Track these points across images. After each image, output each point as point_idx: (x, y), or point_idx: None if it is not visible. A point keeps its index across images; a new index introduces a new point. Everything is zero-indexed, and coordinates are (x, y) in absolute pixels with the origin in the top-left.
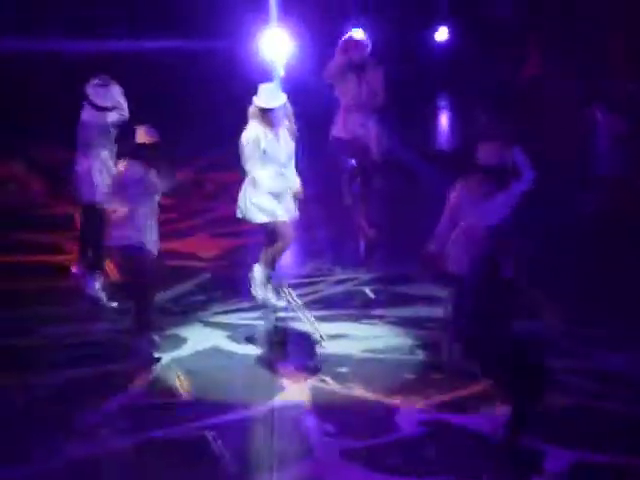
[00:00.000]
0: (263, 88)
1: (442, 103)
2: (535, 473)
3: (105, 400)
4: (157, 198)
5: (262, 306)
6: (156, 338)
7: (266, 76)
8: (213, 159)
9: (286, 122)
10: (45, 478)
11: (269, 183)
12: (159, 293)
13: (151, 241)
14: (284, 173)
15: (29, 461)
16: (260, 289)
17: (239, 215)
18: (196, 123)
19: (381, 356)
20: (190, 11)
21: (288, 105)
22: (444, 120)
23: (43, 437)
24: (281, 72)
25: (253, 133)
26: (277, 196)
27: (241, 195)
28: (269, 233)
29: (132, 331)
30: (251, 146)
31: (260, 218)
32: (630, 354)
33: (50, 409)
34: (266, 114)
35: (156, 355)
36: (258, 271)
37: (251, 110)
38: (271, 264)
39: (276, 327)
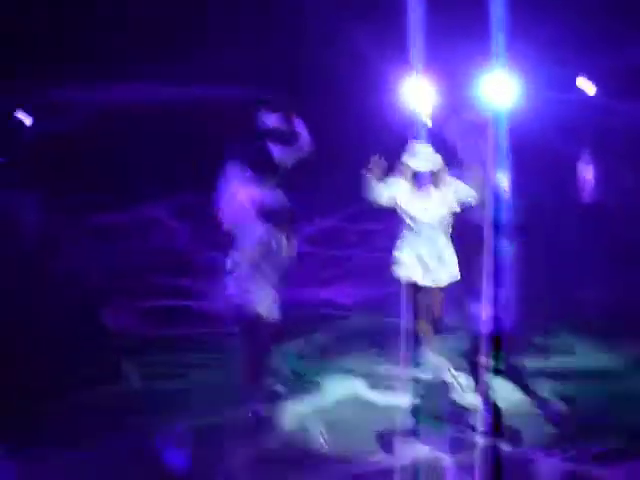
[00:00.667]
0: (418, 147)
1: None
2: None
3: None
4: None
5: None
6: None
7: (411, 128)
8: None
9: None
10: None
11: (409, 244)
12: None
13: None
14: (432, 237)
15: None
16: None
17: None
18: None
19: (525, 410)
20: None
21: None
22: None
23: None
24: (428, 123)
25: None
26: (419, 259)
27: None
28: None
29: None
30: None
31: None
32: None
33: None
34: (415, 176)
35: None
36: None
37: (402, 167)
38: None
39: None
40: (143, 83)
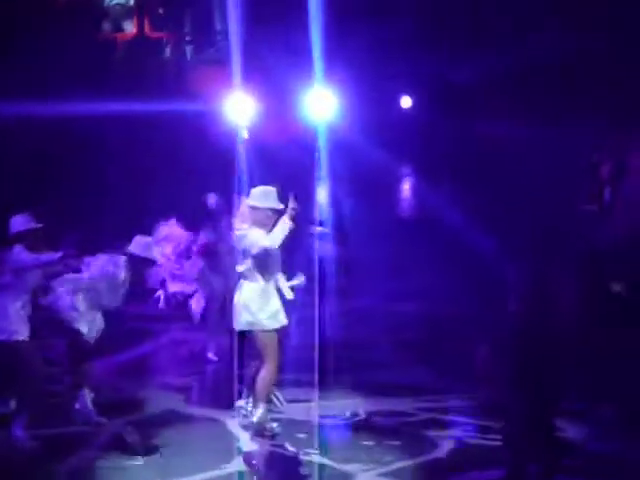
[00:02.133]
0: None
1: (406, 171)
2: None
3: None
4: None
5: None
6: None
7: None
8: None
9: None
10: None
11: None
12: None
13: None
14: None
15: None
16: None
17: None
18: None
19: (339, 422)
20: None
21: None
22: (407, 188)
23: None
24: (244, 135)
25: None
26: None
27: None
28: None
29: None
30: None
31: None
32: None
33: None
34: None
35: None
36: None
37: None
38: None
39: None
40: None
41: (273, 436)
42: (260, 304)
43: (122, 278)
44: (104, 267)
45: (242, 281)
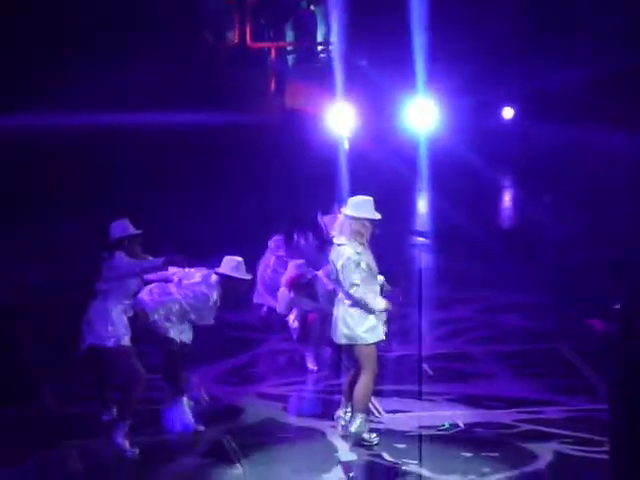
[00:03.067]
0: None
1: (507, 182)
2: None
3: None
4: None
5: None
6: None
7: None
8: None
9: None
10: None
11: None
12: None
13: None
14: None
15: None
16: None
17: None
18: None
19: (438, 433)
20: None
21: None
22: (508, 199)
23: None
24: (345, 146)
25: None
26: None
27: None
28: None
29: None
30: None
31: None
32: None
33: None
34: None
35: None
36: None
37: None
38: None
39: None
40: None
41: (372, 446)
42: (359, 318)
43: (213, 299)
44: (196, 287)
45: (341, 295)
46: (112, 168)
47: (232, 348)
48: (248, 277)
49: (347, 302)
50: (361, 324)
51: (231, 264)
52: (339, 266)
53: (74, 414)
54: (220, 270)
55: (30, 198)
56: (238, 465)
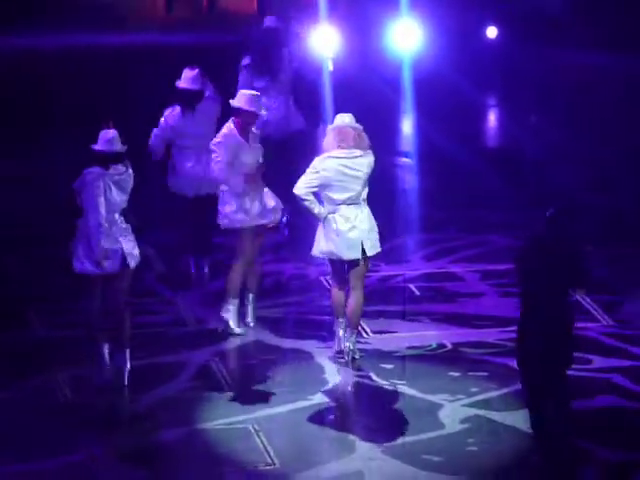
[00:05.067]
0: (340, 116)
1: (492, 102)
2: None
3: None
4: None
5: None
6: None
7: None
8: None
9: None
10: (85, 468)
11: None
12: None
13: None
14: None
15: (71, 452)
16: None
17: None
18: None
19: (425, 353)
20: None
21: None
22: (493, 118)
23: (87, 427)
24: (330, 67)
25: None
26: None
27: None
28: None
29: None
30: None
31: None
32: None
33: (97, 400)
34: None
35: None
36: None
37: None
38: None
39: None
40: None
41: (357, 365)
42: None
43: None
44: None
45: (355, 206)
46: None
47: (220, 270)
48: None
49: (366, 211)
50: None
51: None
52: (364, 175)
53: (62, 339)
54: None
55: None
56: (225, 388)
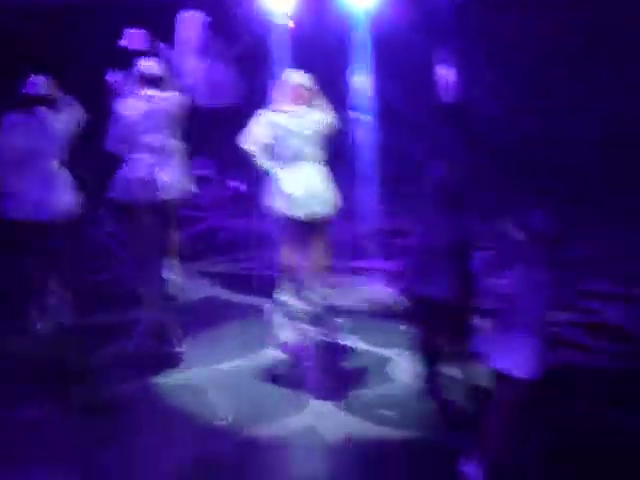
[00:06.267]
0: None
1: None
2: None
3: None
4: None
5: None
6: None
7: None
8: None
9: None
10: (42, 423)
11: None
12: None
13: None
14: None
15: (26, 405)
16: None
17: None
18: None
19: (378, 308)
20: None
21: None
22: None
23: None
24: (290, 24)
25: None
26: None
27: None
28: None
29: None
30: None
31: None
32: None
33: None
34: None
35: None
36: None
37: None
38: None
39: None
40: None
41: (309, 321)
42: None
43: None
44: None
45: (305, 164)
46: None
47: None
48: None
49: (317, 169)
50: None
51: None
52: (314, 133)
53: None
54: None
55: None
56: (180, 344)
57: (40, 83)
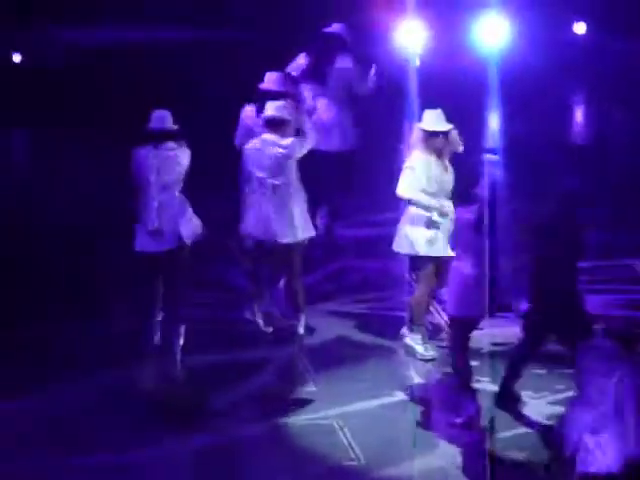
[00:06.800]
0: (428, 113)
1: (576, 97)
2: None
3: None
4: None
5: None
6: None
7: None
8: None
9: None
10: (171, 463)
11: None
12: None
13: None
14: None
15: (156, 445)
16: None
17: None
18: None
19: (510, 349)
20: None
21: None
22: (579, 115)
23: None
24: (416, 62)
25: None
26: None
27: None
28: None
29: None
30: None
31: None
32: None
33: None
34: (432, 139)
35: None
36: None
37: (414, 136)
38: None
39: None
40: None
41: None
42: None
43: None
44: None
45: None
46: None
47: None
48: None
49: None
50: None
51: None
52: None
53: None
54: None
55: None
56: (311, 384)
57: (164, 117)
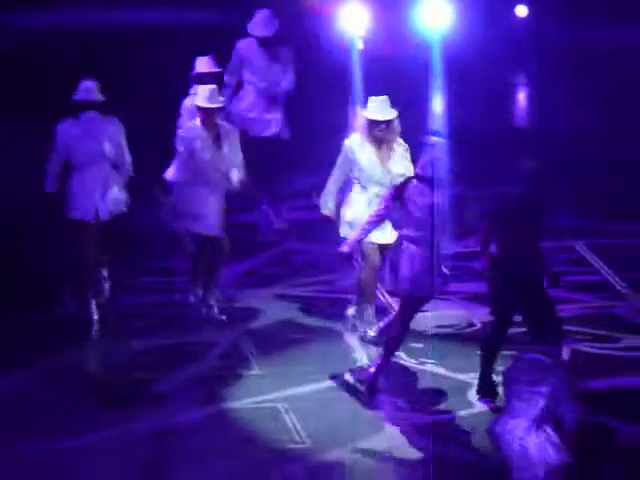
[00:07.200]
0: (372, 100)
1: (521, 80)
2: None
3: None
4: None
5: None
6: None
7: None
8: None
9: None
10: (111, 448)
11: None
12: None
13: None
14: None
15: (97, 429)
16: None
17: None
18: None
19: (454, 332)
20: None
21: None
22: (521, 97)
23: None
24: (359, 46)
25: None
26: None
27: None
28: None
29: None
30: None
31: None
32: None
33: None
34: (373, 127)
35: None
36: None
37: (358, 122)
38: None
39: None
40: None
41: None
42: None
43: None
44: None
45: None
46: None
47: (248, 249)
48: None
49: None
50: None
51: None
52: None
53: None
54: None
55: None
56: (256, 367)
57: (89, 88)
